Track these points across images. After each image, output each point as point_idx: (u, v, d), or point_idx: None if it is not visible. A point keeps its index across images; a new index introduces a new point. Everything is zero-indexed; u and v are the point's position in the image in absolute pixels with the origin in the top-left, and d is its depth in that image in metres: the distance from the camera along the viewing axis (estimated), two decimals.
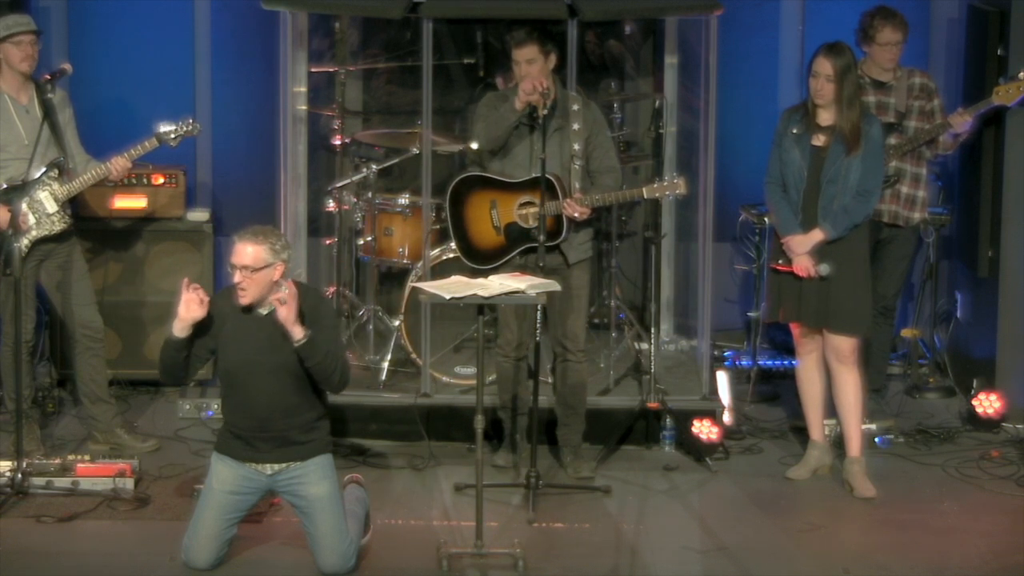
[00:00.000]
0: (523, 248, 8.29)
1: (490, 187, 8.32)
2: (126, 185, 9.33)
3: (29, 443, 8.42)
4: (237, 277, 7.12)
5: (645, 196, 8.29)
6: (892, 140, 8.80)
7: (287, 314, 7.02)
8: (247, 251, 7.10)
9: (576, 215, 8.15)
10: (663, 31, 9.86)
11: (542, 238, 8.11)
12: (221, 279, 9.50)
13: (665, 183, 8.28)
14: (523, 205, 8.28)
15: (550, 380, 8.61)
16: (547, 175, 8.15)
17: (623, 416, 8.79)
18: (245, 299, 7.15)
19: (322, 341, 7.11)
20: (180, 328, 7.10)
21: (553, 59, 8.29)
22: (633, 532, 7.78)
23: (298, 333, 7.05)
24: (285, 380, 7.18)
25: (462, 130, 9.81)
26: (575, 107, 8.22)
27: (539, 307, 8.04)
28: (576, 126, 8.19)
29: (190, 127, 8.64)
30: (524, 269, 8.17)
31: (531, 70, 8.20)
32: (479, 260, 8.36)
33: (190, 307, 7.08)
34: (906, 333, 9.85)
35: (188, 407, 9.19)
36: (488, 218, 8.35)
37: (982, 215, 9.17)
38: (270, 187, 9.36)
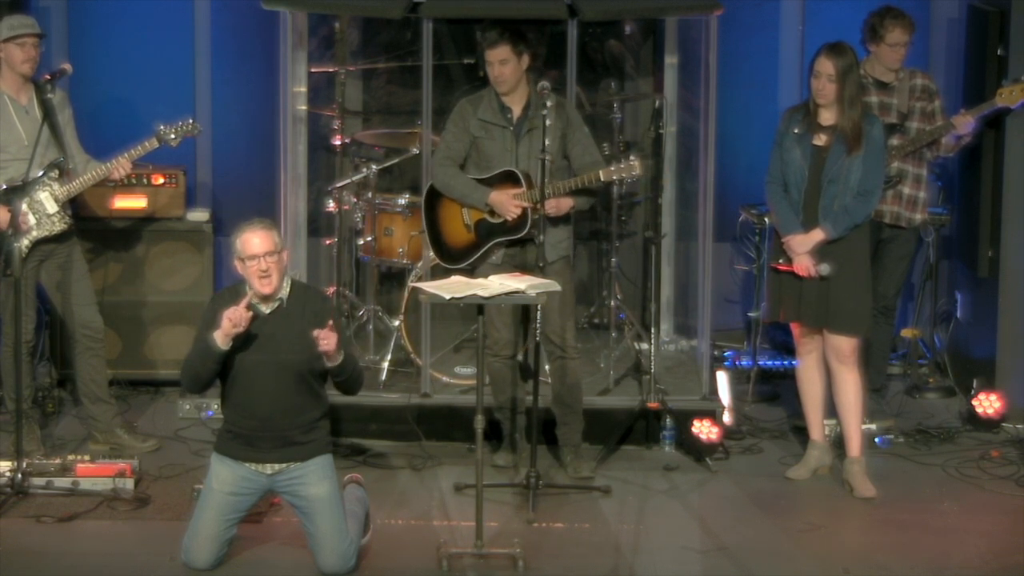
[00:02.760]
0: (492, 243, 8.31)
1: None
2: (126, 185, 9.31)
3: (29, 443, 8.42)
4: (262, 265, 7.09)
5: (603, 179, 8.26)
6: (894, 141, 8.80)
7: (331, 346, 7.03)
8: (264, 237, 7.12)
9: (558, 209, 8.16)
10: (663, 31, 9.87)
11: (541, 238, 8.11)
12: (221, 279, 9.51)
13: (623, 165, 8.25)
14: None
15: (549, 380, 8.61)
16: (515, 170, 8.22)
17: (623, 416, 8.79)
18: (269, 286, 7.13)
19: (349, 355, 7.17)
20: (224, 341, 7.08)
21: (526, 59, 8.31)
22: (633, 532, 7.78)
23: (338, 359, 7.10)
24: (288, 379, 7.18)
25: None
26: (548, 103, 8.21)
27: (537, 307, 8.05)
28: (548, 122, 8.18)
29: (190, 127, 8.64)
30: (524, 269, 8.18)
31: (504, 71, 8.24)
32: (452, 259, 8.41)
33: (242, 323, 7.05)
34: (906, 333, 9.85)
35: (188, 407, 9.19)
36: (460, 217, 8.38)
37: (982, 215, 9.17)
38: (270, 187, 9.36)
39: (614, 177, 8.27)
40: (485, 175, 8.32)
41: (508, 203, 8.23)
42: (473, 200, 8.30)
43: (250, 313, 7.07)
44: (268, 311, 7.20)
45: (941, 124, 8.86)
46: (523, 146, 8.26)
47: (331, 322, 7.07)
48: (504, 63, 8.24)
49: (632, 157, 8.29)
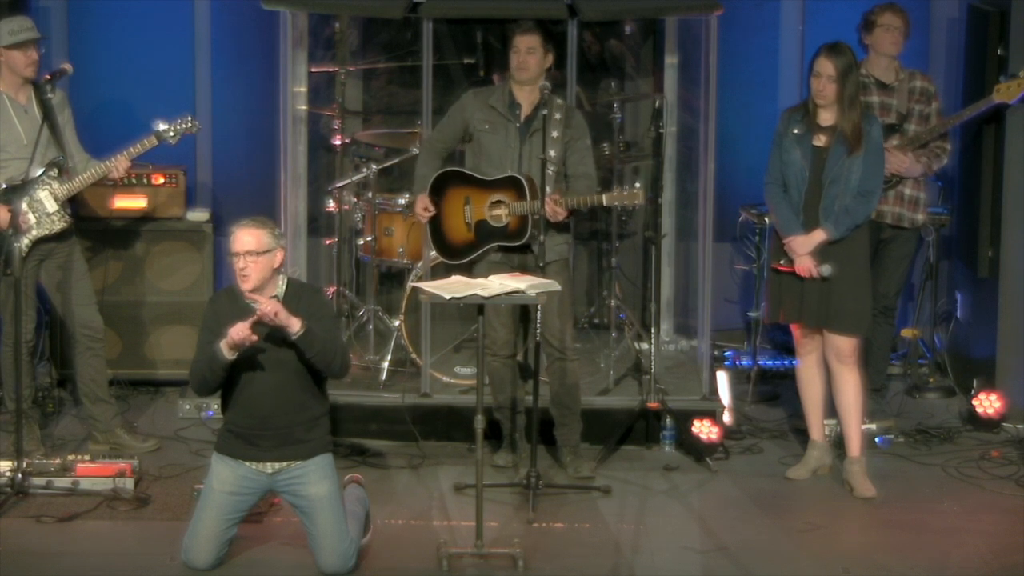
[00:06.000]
0: (489, 247, 8.31)
1: (466, 183, 8.36)
2: (126, 185, 9.34)
3: (29, 443, 8.42)
4: (240, 263, 7.12)
5: (606, 203, 8.28)
6: (894, 141, 8.80)
7: (275, 311, 7.02)
8: (249, 236, 7.13)
9: (552, 215, 8.14)
10: (663, 31, 9.87)
11: (542, 238, 8.11)
12: (221, 279, 9.51)
13: (625, 192, 8.27)
14: (494, 204, 8.30)
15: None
16: (519, 175, 8.21)
17: (623, 416, 8.79)
18: (247, 284, 7.14)
19: (320, 330, 7.13)
20: (230, 353, 7.09)
21: (550, 58, 8.32)
22: (633, 532, 7.78)
23: (295, 326, 7.06)
24: (287, 376, 7.19)
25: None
26: (557, 116, 8.21)
27: (536, 308, 8.05)
28: (555, 133, 8.19)
29: (189, 124, 8.64)
30: (523, 270, 8.18)
31: (529, 60, 8.25)
32: (449, 254, 8.42)
33: (249, 340, 7.06)
34: (906, 333, 9.85)
35: (188, 407, 9.19)
36: (461, 213, 8.38)
37: (982, 215, 9.17)
38: (270, 187, 9.36)
39: (616, 203, 8.30)
40: (482, 167, 8.30)
41: (418, 211, 8.39)
42: (414, 188, 8.49)
43: (255, 337, 7.06)
44: None
45: (935, 124, 8.87)
46: (527, 146, 8.25)
47: (264, 300, 7.08)
48: (531, 52, 8.25)
49: (637, 185, 8.31)
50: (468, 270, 8.29)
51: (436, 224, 8.47)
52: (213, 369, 7.14)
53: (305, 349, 7.12)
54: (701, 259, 9.14)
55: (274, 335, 7.14)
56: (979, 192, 9.20)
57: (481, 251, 8.34)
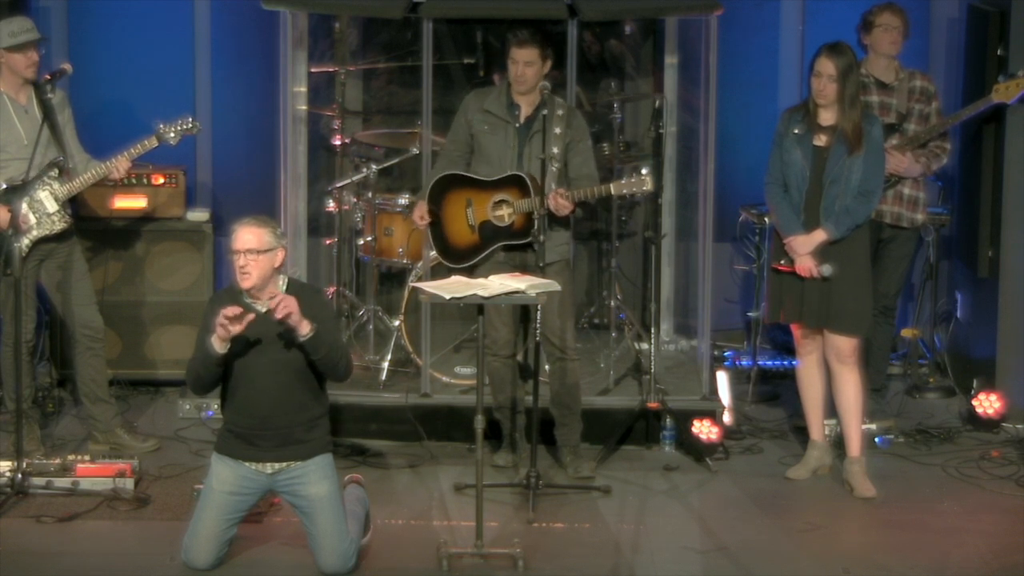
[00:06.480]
0: (496, 247, 8.30)
1: (466, 185, 8.35)
2: (126, 185, 9.33)
3: (29, 443, 8.42)
4: (240, 261, 7.11)
5: (614, 192, 8.26)
6: (894, 141, 8.80)
7: (290, 310, 7.01)
8: (251, 234, 7.13)
9: (557, 208, 8.12)
10: (663, 31, 9.87)
11: (542, 238, 8.11)
12: (221, 279, 9.51)
13: (633, 180, 8.24)
14: (497, 204, 8.29)
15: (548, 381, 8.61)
16: (522, 174, 8.20)
17: (623, 416, 8.79)
18: (247, 282, 7.13)
19: (325, 333, 7.13)
20: (221, 345, 7.08)
21: (548, 64, 8.31)
22: (633, 532, 7.78)
23: (305, 328, 7.06)
24: (287, 376, 7.18)
25: None
26: (559, 112, 8.21)
27: (536, 308, 8.05)
28: (558, 130, 8.19)
29: (189, 125, 8.64)
30: (524, 270, 8.18)
31: (527, 72, 8.23)
32: (454, 259, 8.40)
33: (237, 328, 7.04)
34: (906, 333, 9.85)
35: (188, 407, 9.19)
36: (464, 217, 8.37)
37: (982, 215, 9.17)
38: (270, 187, 9.37)
39: (624, 192, 8.28)
40: (482, 168, 8.30)
41: (415, 220, 8.45)
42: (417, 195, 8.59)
43: (251, 316, 7.05)
44: (264, 310, 7.20)
45: (935, 124, 8.87)
46: (528, 147, 8.25)
47: (280, 294, 7.07)
48: (529, 64, 8.23)
49: (644, 171, 8.28)
50: (469, 270, 8.28)
51: (438, 230, 8.45)
52: (206, 365, 7.14)
53: (312, 352, 7.13)
54: (701, 259, 9.15)
55: (283, 335, 7.15)
56: (979, 192, 9.20)
57: (487, 252, 8.32)
